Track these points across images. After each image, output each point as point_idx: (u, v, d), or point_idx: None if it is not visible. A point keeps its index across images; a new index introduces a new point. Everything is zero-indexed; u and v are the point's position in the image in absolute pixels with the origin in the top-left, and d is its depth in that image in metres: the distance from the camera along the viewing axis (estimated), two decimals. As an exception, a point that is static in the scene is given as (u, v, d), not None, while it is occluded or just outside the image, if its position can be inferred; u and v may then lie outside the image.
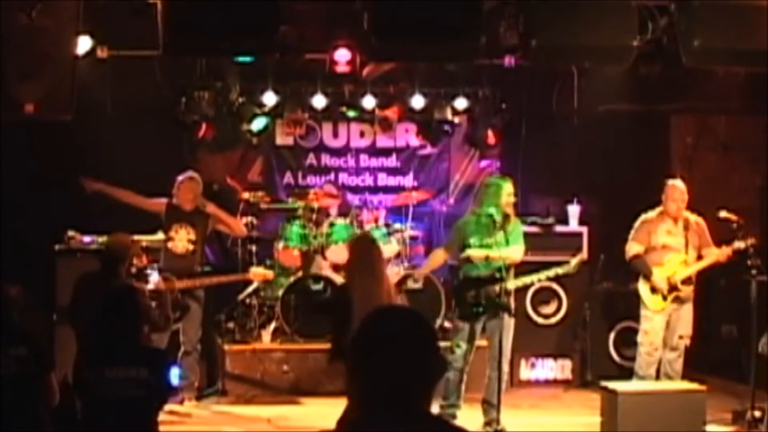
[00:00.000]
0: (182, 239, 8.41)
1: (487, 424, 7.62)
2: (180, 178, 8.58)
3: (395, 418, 2.23)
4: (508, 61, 7.90)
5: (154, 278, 7.85)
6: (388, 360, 2.25)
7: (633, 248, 8.14)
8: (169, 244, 8.38)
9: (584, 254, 8.10)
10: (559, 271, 7.83)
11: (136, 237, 8.49)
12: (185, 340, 8.40)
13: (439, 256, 7.96)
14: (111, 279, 6.40)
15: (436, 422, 2.33)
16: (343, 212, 10.09)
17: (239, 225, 8.97)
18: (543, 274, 7.80)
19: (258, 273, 8.72)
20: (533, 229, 9.77)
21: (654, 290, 8.02)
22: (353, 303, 6.04)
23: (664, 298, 8.01)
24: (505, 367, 7.58)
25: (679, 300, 8.05)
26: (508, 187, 7.63)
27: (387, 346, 2.27)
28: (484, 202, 7.58)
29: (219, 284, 8.72)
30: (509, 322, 7.55)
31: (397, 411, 2.23)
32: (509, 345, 7.61)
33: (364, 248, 6.41)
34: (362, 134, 11.12)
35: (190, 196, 8.51)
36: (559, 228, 9.83)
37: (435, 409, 7.55)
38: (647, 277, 8.04)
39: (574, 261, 7.87)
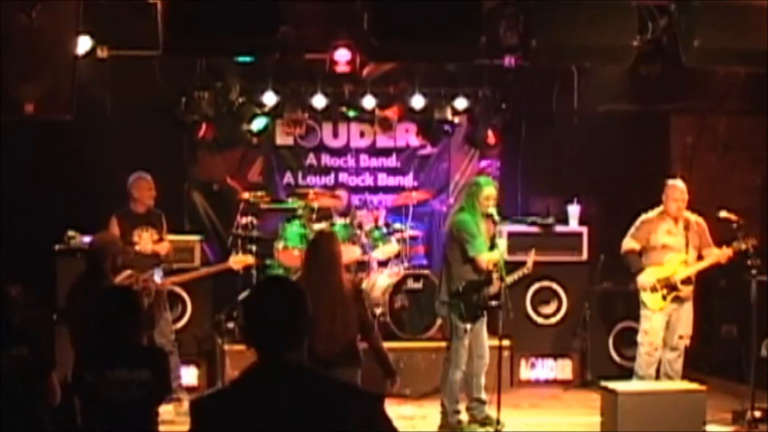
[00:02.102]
0: (147, 242, 8.27)
1: (483, 422, 7.69)
2: (133, 178, 8.31)
3: (276, 364, 2.83)
4: (508, 61, 7.91)
5: (157, 278, 7.84)
6: (270, 319, 2.88)
7: (628, 244, 8.15)
8: (137, 248, 8.23)
9: (533, 254, 8.07)
10: (519, 273, 7.86)
11: None
12: (165, 342, 8.07)
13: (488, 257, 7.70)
14: (97, 279, 6.37)
15: (300, 368, 2.88)
16: (344, 212, 10.09)
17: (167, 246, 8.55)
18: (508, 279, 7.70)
19: (238, 260, 8.49)
20: (533, 229, 9.79)
21: (654, 289, 8.03)
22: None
23: (664, 297, 8.02)
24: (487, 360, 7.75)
25: (678, 300, 8.05)
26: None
27: (271, 308, 2.89)
28: (481, 201, 7.61)
29: (202, 277, 8.69)
30: (484, 320, 7.69)
31: (278, 358, 2.84)
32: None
33: (321, 243, 6.38)
34: (362, 134, 11.12)
35: (150, 193, 8.36)
36: (559, 228, 9.83)
37: (437, 414, 7.65)
38: (636, 274, 8.06)
39: (530, 260, 7.93)
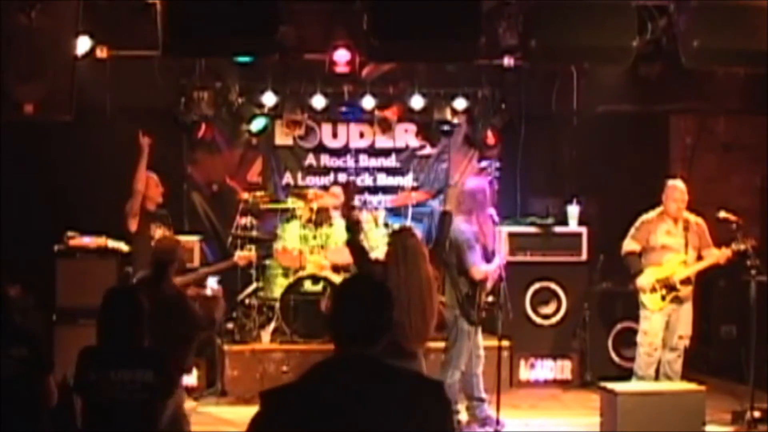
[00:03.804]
0: None
1: (483, 422, 7.71)
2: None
3: (348, 357, 2.90)
4: (508, 61, 7.90)
5: (212, 284, 7.92)
6: (355, 313, 2.93)
7: (629, 245, 8.17)
8: (153, 243, 8.26)
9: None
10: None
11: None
12: None
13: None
14: (161, 282, 6.35)
15: (370, 360, 2.91)
16: (343, 213, 10.07)
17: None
18: None
19: (242, 256, 8.82)
20: (532, 229, 9.79)
21: (653, 290, 8.04)
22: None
23: (663, 298, 8.02)
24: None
25: (678, 300, 8.06)
26: None
27: (356, 304, 2.95)
28: (485, 205, 7.65)
29: (209, 275, 8.73)
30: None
31: (357, 351, 2.89)
32: None
33: (400, 241, 6.35)
34: (362, 135, 11.12)
35: (158, 190, 8.40)
36: (559, 228, 9.83)
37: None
38: (635, 275, 8.07)
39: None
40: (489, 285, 7.57)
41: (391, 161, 11.18)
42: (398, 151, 11.18)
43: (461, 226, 7.52)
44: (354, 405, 2.78)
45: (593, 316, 9.64)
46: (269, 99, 10.06)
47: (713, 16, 7.10)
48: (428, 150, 11.18)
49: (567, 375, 9.76)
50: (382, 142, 11.14)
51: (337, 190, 10.25)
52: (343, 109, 10.71)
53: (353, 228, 6.39)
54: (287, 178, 11.02)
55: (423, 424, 2.80)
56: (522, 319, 9.47)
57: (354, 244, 6.37)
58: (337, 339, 2.93)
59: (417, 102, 10.29)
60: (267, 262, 9.90)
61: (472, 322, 7.50)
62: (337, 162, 11.10)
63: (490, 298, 7.58)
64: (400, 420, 2.79)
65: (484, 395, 7.77)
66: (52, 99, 6.66)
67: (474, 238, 7.51)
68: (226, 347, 9.12)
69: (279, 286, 9.58)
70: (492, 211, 7.74)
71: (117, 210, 8.32)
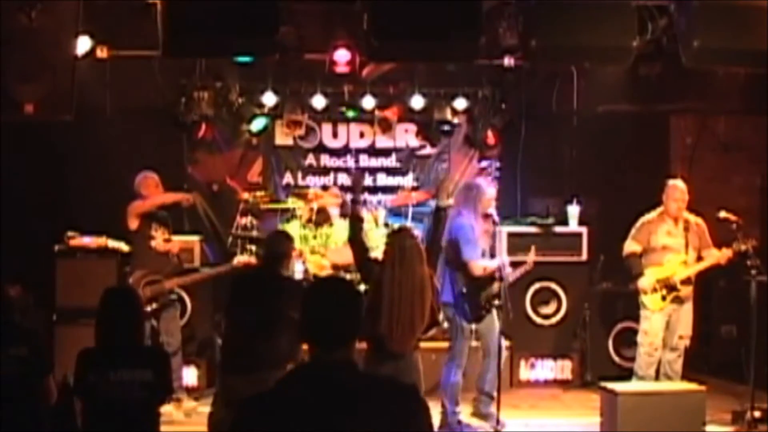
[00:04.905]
0: (159, 239, 8.32)
1: (484, 417, 7.70)
2: (140, 177, 8.31)
3: (323, 362, 2.89)
4: (508, 61, 7.90)
5: (299, 269, 7.91)
6: (328, 314, 2.93)
7: (630, 246, 8.16)
8: (152, 243, 8.26)
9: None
10: (521, 271, 8.02)
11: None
12: (172, 342, 8.16)
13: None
14: (273, 275, 6.33)
15: (346, 366, 2.91)
16: (344, 213, 10.07)
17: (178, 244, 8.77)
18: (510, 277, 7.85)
19: (242, 260, 8.71)
20: (533, 229, 9.78)
21: (654, 290, 8.03)
22: (383, 292, 5.97)
23: (663, 298, 8.02)
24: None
25: (678, 300, 8.05)
26: None
27: (329, 305, 2.94)
28: (483, 204, 7.65)
29: (208, 279, 8.71)
30: (497, 319, 7.68)
31: (326, 356, 2.89)
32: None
33: (397, 241, 6.34)
34: (362, 135, 11.12)
35: (158, 191, 8.37)
36: (559, 228, 9.83)
37: (437, 414, 7.66)
38: (636, 277, 8.07)
39: (530, 257, 8.12)
40: (496, 287, 7.51)
41: (391, 161, 11.18)
42: (398, 151, 11.18)
43: (458, 221, 7.52)
44: (328, 411, 2.78)
45: (593, 316, 9.64)
46: (269, 99, 10.06)
47: (713, 16, 7.09)
48: (428, 150, 11.18)
49: (567, 375, 9.76)
50: (382, 142, 11.14)
51: (336, 190, 10.26)
52: (343, 108, 10.72)
53: (356, 225, 6.37)
54: (287, 178, 11.02)
55: (397, 428, 2.80)
56: (522, 319, 9.46)
57: (356, 241, 6.36)
58: (308, 341, 2.93)
59: (417, 102, 10.30)
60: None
61: (468, 321, 7.49)
62: (337, 162, 11.10)
63: (497, 302, 7.50)
64: (373, 425, 2.78)
65: (494, 393, 7.68)
66: (52, 99, 6.65)
67: (472, 232, 7.50)
68: (226, 347, 9.10)
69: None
70: (492, 211, 7.74)
71: (117, 210, 8.31)
